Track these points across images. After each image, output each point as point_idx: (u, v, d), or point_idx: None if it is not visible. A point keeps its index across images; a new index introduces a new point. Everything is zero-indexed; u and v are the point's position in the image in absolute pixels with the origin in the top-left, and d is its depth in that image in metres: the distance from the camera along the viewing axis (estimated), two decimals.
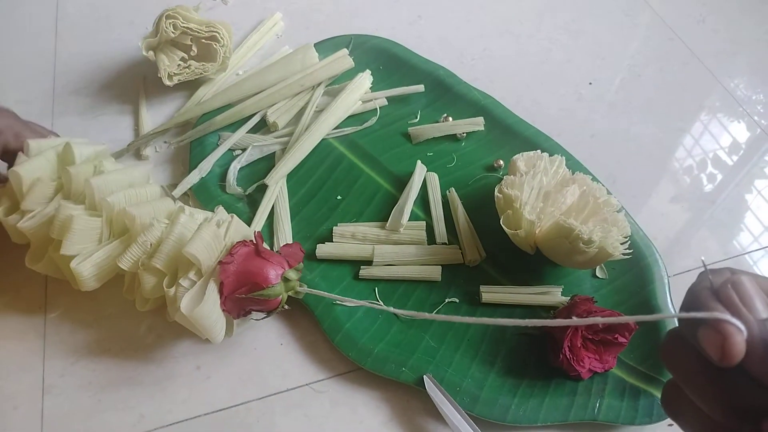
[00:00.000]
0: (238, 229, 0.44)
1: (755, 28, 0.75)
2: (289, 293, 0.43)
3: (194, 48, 0.60)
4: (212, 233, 0.42)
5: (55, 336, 0.47)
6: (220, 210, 0.47)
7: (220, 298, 0.41)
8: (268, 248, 0.43)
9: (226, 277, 0.41)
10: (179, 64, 0.60)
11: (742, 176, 0.62)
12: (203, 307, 0.39)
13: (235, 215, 0.45)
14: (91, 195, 0.43)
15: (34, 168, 0.44)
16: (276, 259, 0.43)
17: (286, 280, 0.42)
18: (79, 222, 0.41)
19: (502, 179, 0.51)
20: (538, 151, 0.53)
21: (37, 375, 0.45)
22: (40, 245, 0.45)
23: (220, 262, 0.41)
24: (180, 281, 0.40)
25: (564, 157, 0.53)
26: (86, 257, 0.42)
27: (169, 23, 0.58)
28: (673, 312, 0.49)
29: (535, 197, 0.48)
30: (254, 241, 0.43)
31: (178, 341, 0.47)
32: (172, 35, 0.58)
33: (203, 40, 0.60)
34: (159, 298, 0.44)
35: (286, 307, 0.43)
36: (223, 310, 0.42)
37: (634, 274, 0.51)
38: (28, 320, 0.47)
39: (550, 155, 0.53)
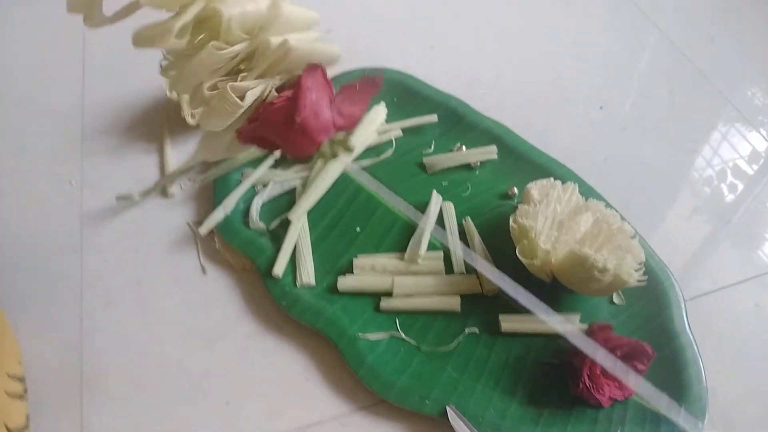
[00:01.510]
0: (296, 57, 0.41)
1: (764, 48, 0.76)
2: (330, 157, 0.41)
3: None
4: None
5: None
6: None
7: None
8: (329, 89, 0.42)
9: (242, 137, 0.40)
10: None
11: (755, 195, 0.62)
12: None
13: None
14: None
15: None
16: (318, 122, 0.40)
17: (332, 142, 0.40)
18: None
19: (516, 208, 0.53)
20: (551, 179, 0.54)
21: None
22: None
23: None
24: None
25: (577, 184, 0.54)
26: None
27: None
28: (690, 337, 0.49)
29: (549, 226, 0.49)
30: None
31: (208, 378, 0.48)
32: None
33: None
34: None
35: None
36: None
37: (651, 300, 0.52)
38: None
39: (563, 182, 0.54)
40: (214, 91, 0.41)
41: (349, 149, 0.42)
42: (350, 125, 0.43)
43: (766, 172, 0.64)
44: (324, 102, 0.42)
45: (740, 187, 0.63)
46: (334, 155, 0.42)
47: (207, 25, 0.40)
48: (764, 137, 0.67)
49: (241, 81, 0.41)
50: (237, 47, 0.40)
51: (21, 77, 0.71)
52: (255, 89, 0.41)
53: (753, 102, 0.70)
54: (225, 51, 0.39)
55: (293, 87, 0.41)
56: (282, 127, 0.41)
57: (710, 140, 0.67)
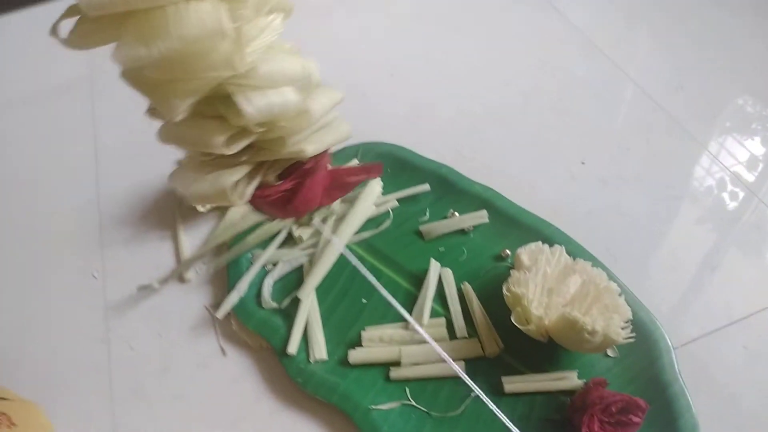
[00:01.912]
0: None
1: (730, 89, 0.81)
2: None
3: None
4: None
5: None
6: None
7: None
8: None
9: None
10: None
11: (736, 240, 0.66)
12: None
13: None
14: None
15: None
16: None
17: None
18: None
19: (510, 272, 0.56)
20: (539, 243, 0.58)
21: None
22: None
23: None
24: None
25: (563, 247, 0.58)
26: None
27: None
28: (682, 385, 0.53)
29: (540, 292, 0.53)
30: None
31: None
32: None
33: None
34: None
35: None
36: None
37: (643, 351, 0.55)
38: None
39: (551, 244, 0.58)
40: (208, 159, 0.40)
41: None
42: (331, 201, 0.47)
43: (743, 218, 0.68)
44: (319, 189, 0.45)
45: (721, 232, 0.67)
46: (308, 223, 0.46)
47: (220, 104, 0.38)
48: (740, 178, 0.71)
49: (236, 166, 0.40)
50: (244, 142, 0.38)
51: (39, 175, 0.76)
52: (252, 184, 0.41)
53: (726, 146, 0.75)
54: (236, 145, 0.38)
55: (295, 175, 0.43)
56: (273, 207, 0.44)
57: (689, 186, 0.71)
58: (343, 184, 0.48)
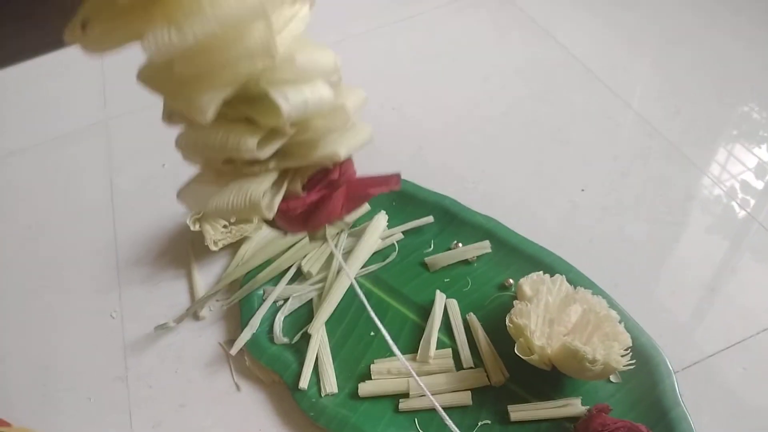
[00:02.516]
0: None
1: (728, 113, 0.83)
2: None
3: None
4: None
5: None
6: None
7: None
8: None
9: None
10: (222, 231, 0.70)
11: (734, 264, 0.67)
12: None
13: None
14: None
15: None
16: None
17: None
18: None
19: (513, 302, 0.58)
20: (541, 272, 0.60)
21: None
22: None
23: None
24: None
25: (564, 276, 0.60)
26: None
27: None
28: (684, 409, 0.54)
29: (542, 323, 0.55)
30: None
31: None
32: None
33: None
34: None
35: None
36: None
37: (644, 376, 0.57)
38: None
39: (552, 273, 0.60)
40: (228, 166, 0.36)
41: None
42: (348, 213, 0.43)
43: (742, 242, 0.70)
44: (341, 200, 0.41)
45: (720, 256, 0.68)
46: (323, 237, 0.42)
47: (246, 105, 0.34)
48: (740, 209, 0.72)
49: (262, 173, 0.36)
50: (276, 145, 0.34)
51: (57, 219, 0.79)
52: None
53: (727, 168, 0.76)
54: (269, 148, 0.34)
55: (322, 185, 0.39)
56: (295, 221, 0.40)
57: (687, 211, 0.72)
58: (360, 196, 0.43)
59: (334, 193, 0.39)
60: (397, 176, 0.44)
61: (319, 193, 0.39)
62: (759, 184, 0.74)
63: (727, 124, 0.82)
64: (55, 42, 1.04)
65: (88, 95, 0.96)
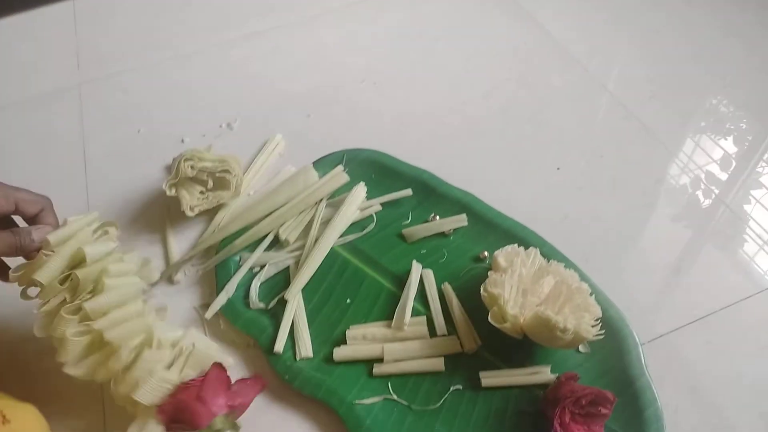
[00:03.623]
0: (197, 359, 0.52)
1: (700, 100, 0.85)
2: None
3: (210, 181, 0.69)
4: (161, 378, 0.49)
5: None
6: (190, 334, 0.54)
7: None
8: (227, 381, 0.51)
9: (163, 413, 0.48)
10: (198, 197, 0.69)
11: (701, 244, 0.70)
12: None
13: (195, 345, 0.53)
14: (86, 314, 0.50)
15: (50, 271, 0.50)
16: (216, 402, 0.49)
17: (214, 428, 0.48)
18: (70, 340, 0.50)
19: (487, 272, 0.59)
20: (516, 245, 0.61)
21: None
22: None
23: (157, 407, 0.48)
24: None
25: (538, 249, 0.61)
26: (74, 365, 0.51)
27: (188, 165, 0.67)
28: (648, 379, 0.56)
29: (515, 293, 0.56)
30: (202, 379, 0.50)
31: None
32: (191, 175, 0.67)
33: (217, 174, 0.69)
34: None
35: None
36: None
37: (612, 347, 0.58)
38: None
39: (527, 247, 0.62)
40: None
41: (235, 429, 0.50)
42: (241, 409, 0.52)
43: (710, 223, 0.72)
44: (220, 394, 0.50)
45: (689, 237, 0.70)
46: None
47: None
48: (709, 192, 0.75)
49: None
50: None
51: (28, 182, 0.77)
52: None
53: (694, 153, 0.79)
54: None
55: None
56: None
57: (660, 192, 0.74)
58: (243, 389, 0.53)
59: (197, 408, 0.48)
60: (263, 381, 0.54)
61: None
62: (725, 173, 0.77)
63: (699, 109, 0.84)
64: (26, 1, 1.01)
65: (61, 58, 0.94)
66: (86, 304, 0.50)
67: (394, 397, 0.56)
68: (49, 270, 0.50)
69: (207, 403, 0.48)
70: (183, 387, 0.49)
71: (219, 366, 0.51)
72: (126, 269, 0.55)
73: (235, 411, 0.50)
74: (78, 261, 0.52)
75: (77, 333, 0.50)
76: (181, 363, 0.51)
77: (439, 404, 0.56)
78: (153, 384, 0.49)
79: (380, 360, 0.58)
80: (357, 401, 0.55)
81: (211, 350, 0.54)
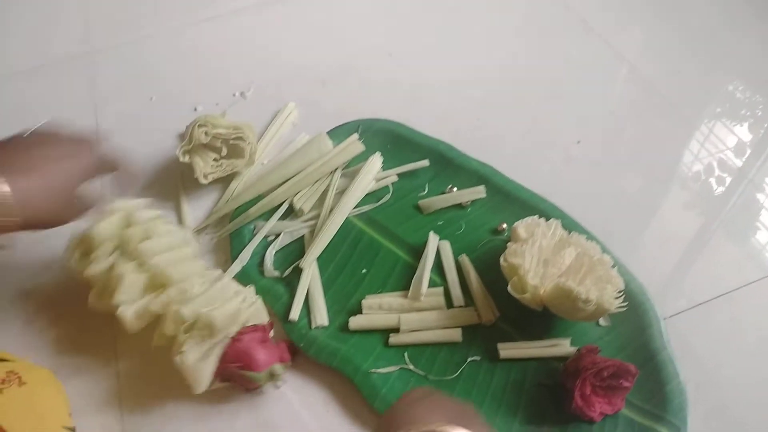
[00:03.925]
0: (256, 313, 0.53)
1: (725, 77, 0.83)
2: (269, 383, 0.52)
3: (224, 149, 0.68)
4: (235, 308, 0.51)
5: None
6: (251, 290, 0.55)
7: (218, 363, 0.49)
8: (272, 339, 0.53)
9: (232, 349, 0.50)
10: (212, 164, 0.68)
11: (723, 219, 0.68)
12: (205, 365, 0.49)
13: (260, 299, 0.55)
14: (140, 256, 0.53)
15: (103, 229, 0.55)
16: (273, 351, 0.52)
17: (271, 372, 0.51)
18: (128, 278, 0.52)
19: (506, 245, 0.58)
20: (536, 216, 0.60)
21: None
22: (101, 290, 0.54)
23: (232, 337, 0.50)
24: (193, 334, 0.50)
25: (559, 220, 0.60)
26: (130, 305, 0.52)
27: (201, 131, 0.66)
28: (670, 353, 0.55)
29: (536, 263, 0.55)
30: (264, 328, 0.52)
31: (237, 418, 0.53)
32: (204, 141, 0.66)
33: (231, 141, 0.68)
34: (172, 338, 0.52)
35: (263, 392, 0.54)
36: (214, 373, 0.50)
37: (633, 321, 0.57)
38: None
39: (547, 219, 0.60)
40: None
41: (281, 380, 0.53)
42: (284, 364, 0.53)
43: (732, 198, 0.70)
44: (275, 346, 0.53)
45: (711, 211, 0.69)
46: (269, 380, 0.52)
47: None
48: (732, 167, 0.73)
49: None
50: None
51: None
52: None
53: (716, 130, 0.77)
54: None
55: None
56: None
57: (681, 167, 0.73)
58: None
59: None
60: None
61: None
62: (749, 148, 0.75)
63: (724, 87, 0.82)
64: None
65: (72, 26, 0.92)
66: (140, 245, 0.53)
67: (411, 367, 0.55)
68: (106, 224, 0.55)
69: (267, 349, 0.51)
70: (244, 332, 0.51)
71: (270, 325, 0.54)
72: (171, 229, 0.58)
73: (283, 364, 0.52)
74: (130, 223, 0.56)
75: (134, 269, 0.53)
76: (247, 307, 0.53)
77: (456, 375, 0.55)
78: (228, 313, 0.50)
79: (396, 330, 0.57)
80: (372, 370, 0.54)
81: (263, 312, 0.56)
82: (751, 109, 0.80)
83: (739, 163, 0.73)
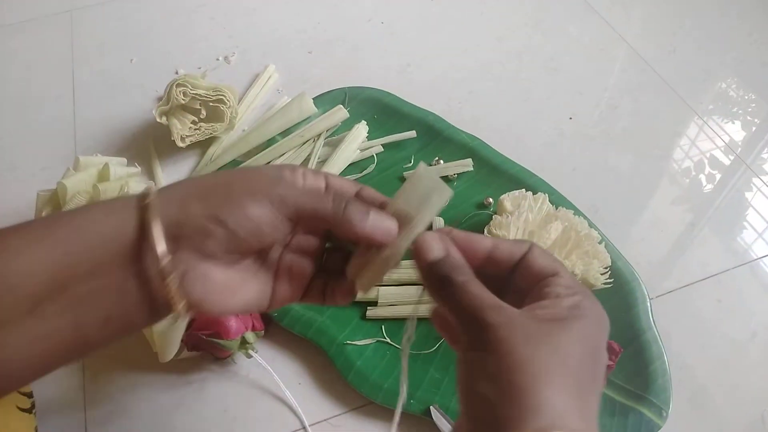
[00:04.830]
0: None
1: (723, 56, 0.81)
2: (241, 352, 0.50)
3: (203, 111, 0.65)
4: None
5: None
6: None
7: (186, 330, 0.48)
8: None
9: (199, 316, 0.48)
10: (190, 127, 0.65)
11: (716, 204, 0.66)
12: (173, 332, 0.46)
13: None
14: None
15: (77, 182, 0.53)
16: (245, 318, 0.50)
17: (243, 340, 0.50)
18: None
19: (491, 218, 0.56)
20: (523, 190, 0.58)
21: None
22: None
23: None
24: None
25: (546, 195, 0.58)
26: None
27: (180, 91, 0.63)
28: (656, 333, 0.53)
29: (521, 236, 0.53)
30: None
31: (206, 388, 0.51)
32: (183, 101, 0.63)
33: (211, 104, 0.65)
34: None
35: (234, 361, 0.51)
36: (182, 340, 0.48)
37: (620, 299, 0.55)
38: None
39: (534, 192, 0.58)
40: None
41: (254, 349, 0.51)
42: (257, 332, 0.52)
43: (727, 181, 0.68)
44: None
45: (702, 193, 0.67)
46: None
47: None
48: (724, 146, 0.71)
49: None
50: None
51: (11, 107, 0.73)
52: None
53: (708, 109, 0.75)
54: None
55: None
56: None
57: (675, 147, 0.71)
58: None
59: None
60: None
61: None
62: (744, 131, 0.73)
63: (721, 67, 0.80)
64: None
65: None
66: None
67: (388, 340, 0.53)
68: (78, 178, 0.53)
69: (239, 317, 0.49)
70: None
71: None
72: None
73: (256, 333, 0.51)
74: (104, 178, 0.55)
75: None
76: None
77: (434, 349, 0.53)
78: None
79: (374, 303, 0.55)
80: (348, 342, 0.52)
81: None
82: (753, 90, 0.78)
83: (738, 142, 0.71)
